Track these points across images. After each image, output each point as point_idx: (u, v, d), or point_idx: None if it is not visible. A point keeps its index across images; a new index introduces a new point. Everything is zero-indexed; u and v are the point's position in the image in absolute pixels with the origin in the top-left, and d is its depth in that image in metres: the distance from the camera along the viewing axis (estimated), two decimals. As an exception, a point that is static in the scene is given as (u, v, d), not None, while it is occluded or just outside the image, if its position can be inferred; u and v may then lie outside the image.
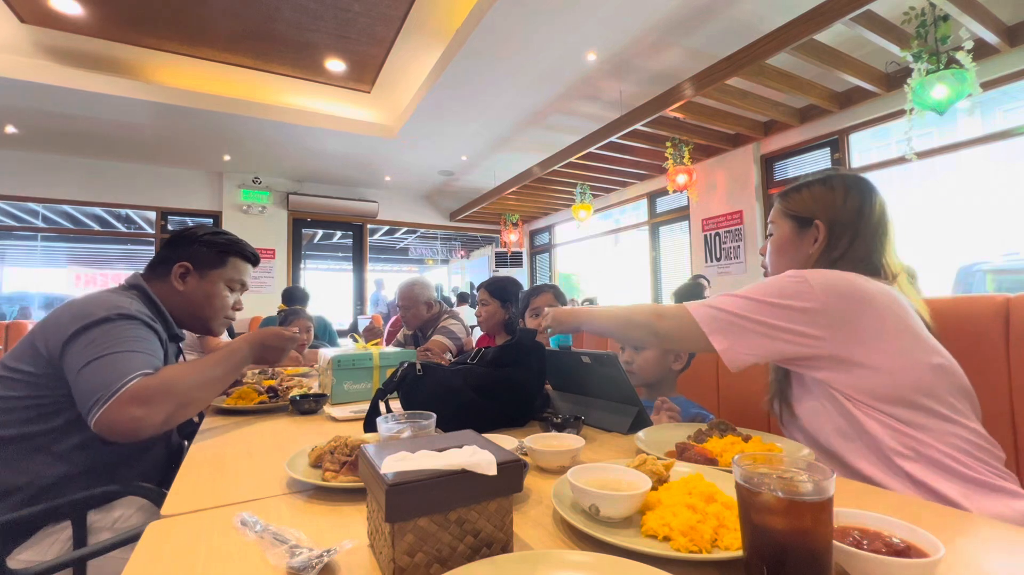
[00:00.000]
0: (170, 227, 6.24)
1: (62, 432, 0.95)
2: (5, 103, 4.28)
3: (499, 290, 2.21)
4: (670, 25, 3.20)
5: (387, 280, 8.03)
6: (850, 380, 0.81)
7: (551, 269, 7.97)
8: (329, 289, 7.64)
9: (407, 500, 0.44)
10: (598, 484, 0.58)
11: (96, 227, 6.45)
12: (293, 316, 2.83)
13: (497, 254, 8.01)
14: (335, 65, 4.29)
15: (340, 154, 5.70)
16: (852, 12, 2.54)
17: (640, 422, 1.01)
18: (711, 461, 0.75)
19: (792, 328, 0.82)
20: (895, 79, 3.41)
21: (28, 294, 6.41)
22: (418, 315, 2.44)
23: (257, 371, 1.93)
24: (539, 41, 3.37)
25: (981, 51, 2.87)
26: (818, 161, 4.29)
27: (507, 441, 0.84)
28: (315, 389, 1.50)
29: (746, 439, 0.83)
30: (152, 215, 6.16)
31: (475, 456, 0.48)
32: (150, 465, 1.10)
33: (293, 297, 3.81)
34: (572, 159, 4.79)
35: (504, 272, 7.45)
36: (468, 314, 5.19)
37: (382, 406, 0.94)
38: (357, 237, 7.31)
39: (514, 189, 5.95)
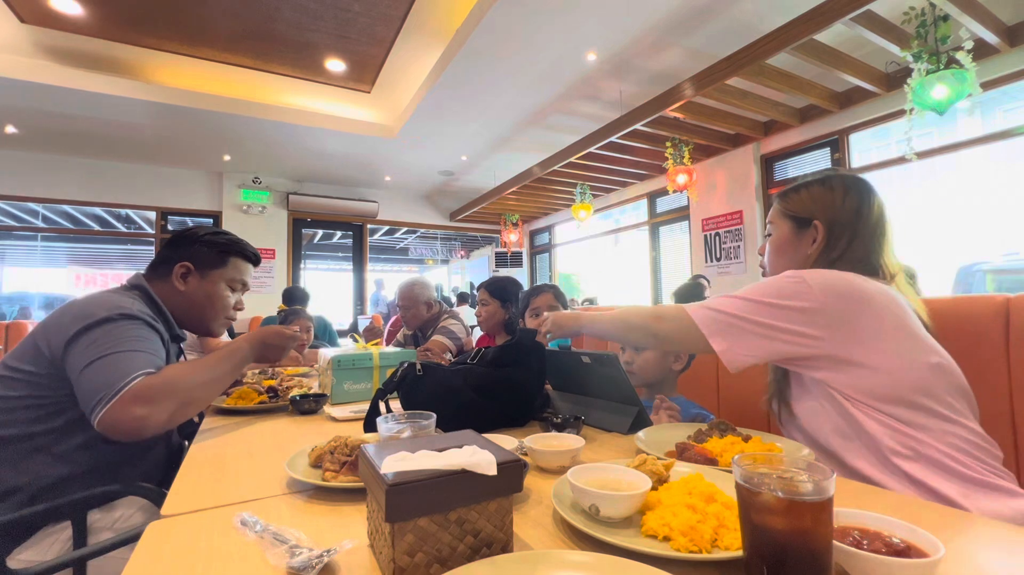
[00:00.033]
0: (170, 227, 6.24)
1: (63, 432, 0.96)
2: (5, 103, 4.28)
3: (499, 290, 2.21)
4: (670, 25, 3.20)
5: (387, 280, 8.03)
6: (849, 380, 0.81)
7: (551, 269, 7.97)
8: (329, 289, 7.65)
9: (407, 500, 0.44)
10: (598, 484, 0.58)
11: (96, 227, 6.45)
12: (293, 316, 2.83)
13: (497, 254, 8.01)
14: (335, 65, 4.29)
15: (340, 154, 5.70)
16: (852, 12, 2.54)
17: (640, 422, 1.01)
18: (711, 461, 0.75)
19: (791, 328, 0.82)
20: (895, 79, 3.41)
21: (28, 294, 6.41)
22: (418, 315, 2.44)
23: (257, 371, 1.93)
24: (539, 41, 3.38)
25: (981, 51, 2.87)
26: (818, 161, 4.29)
27: (507, 441, 0.84)
28: (315, 389, 1.50)
29: (746, 439, 0.83)
30: (152, 215, 6.16)
31: (475, 456, 0.48)
32: (151, 465, 1.10)
33: (293, 297, 3.81)
34: (572, 159, 4.79)
35: (504, 272, 7.45)
36: (468, 314, 5.19)
37: (382, 406, 0.94)
38: (357, 237, 7.31)
39: (514, 189, 5.95)
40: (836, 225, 0.92)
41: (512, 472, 0.49)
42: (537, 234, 8.29)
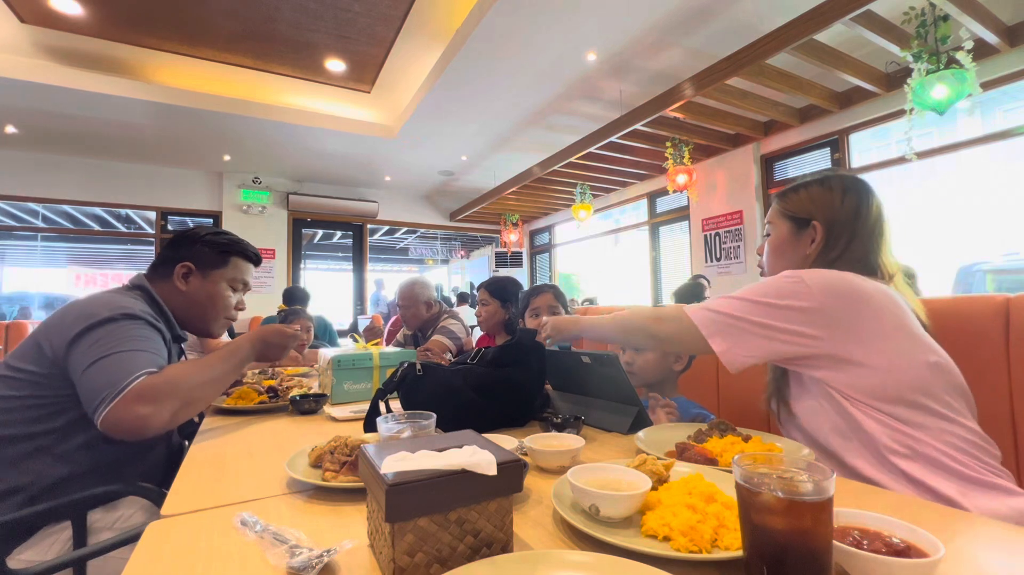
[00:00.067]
0: (170, 227, 6.24)
1: (65, 432, 0.96)
2: (5, 103, 4.28)
3: (499, 290, 2.21)
4: (670, 25, 3.20)
5: (387, 280, 8.03)
6: (847, 379, 0.81)
7: (551, 269, 7.97)
8: (329, 289, 7.64)
9: (407, 500, 0.44)
10: (598, 484, 0.58)
11: (96, 227, 6.45)
12: (293, 316, 2.83)
13: (497, 254, 8.01)
14: (335, 65, 4.29)
15: (340, 154, 5.70)
16: (852, 12, 2.54)
17: (640, 422, 1.01)
18: (711, 461, 0.75)
19: (790, 328, 0.83)
20: (895, 79, 3.41)
21: (28, 294, 6.41)
22: (418, 315, 2.44)
23: (257, 371, 1.93)
24: (539, 41, 3.38)
25: (981, 51, 2.87)
26: (818, 161, 4.29)
27: (507, 441, 0.84)
28: (315, 389, 1.50)
29: (746, 439, 0.83)
30: (152, 215, 6.16)
31: (475, 456, 0.48)
32: (151, 465, 1.11)
33: (294, 297, 3.81)
34: (572, 159, 4.79)
35: (504, 272, 7.45)
36: (468, 314, 5.19)
37: (382, 406, 0.94)
38: (357, 237, 7.31)
39: (514, 189, 5.95)
40: (835, 225, 0.93)
41: (512, 472, 0.49)
42: (537, 234, 8.29)
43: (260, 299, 6.04)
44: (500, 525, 0.49)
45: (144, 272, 1.21)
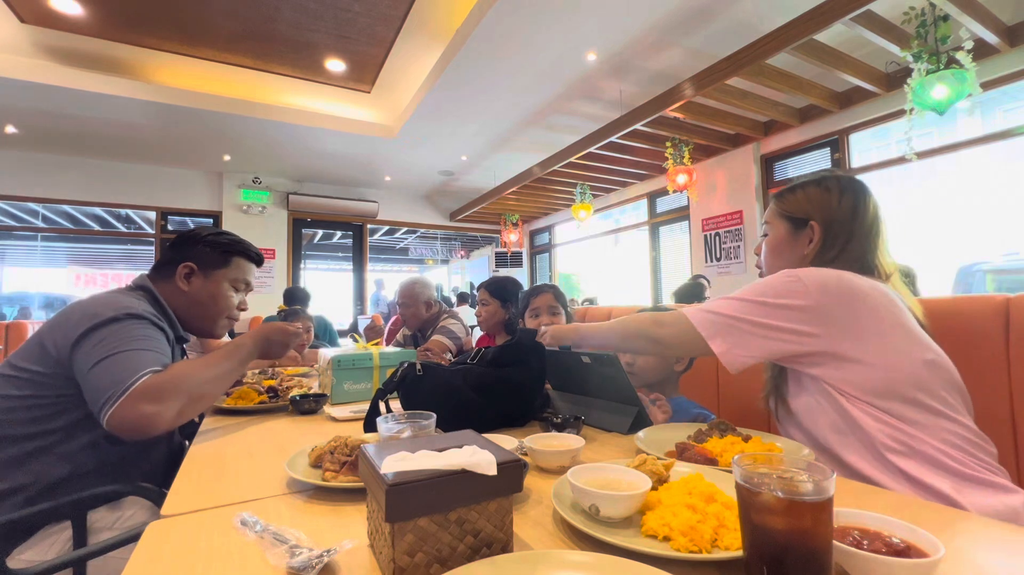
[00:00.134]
0: (170, 227, 6.24)
1: (68, 432, 0.96)
2: (5, 103, 4.28)
3: (499, 290, 2.21)
4: (670, 25, 3.20)
5: (387, 280, 8.03)
6: (844, 376, 0.82)
7: (551, 269, 7.97)
8: (329, 289, 7.65)
9: (407, 500, 0.44)
10: (598, 484, 0.58)
11: (96, 227, 6.45)
12: (293, 316, 2.83)
13: (497, 254, 8.01)
14: (335, 65, 4.29)
15: (340, 154, 5.70)
16: (852, 12, 2.54)
17: (640, 422, 1.01)
18: (711, 461, 0.75)
19: (788, 327, 0.83)
20: (895, 79, 3.41)
21: (28, 294, 6.41)
22: (418, 314, 2.44)
23: (257, 371, 1.93)
24: (539, 41, 3.38)
25: (981, 51, 2.87)
26: (818, 161, 4.29)
27: (507, 441, 0.84)
28: (315, 389, 1.50)
29: (746, 439, 0.83)
30: (152, 215, 6.16)
31: (475, 456, 0.48)
32: (153, 465, 1.11)
33: (295, 297, 3.82)
34: (572, 159, 4.79)
35: (504, 272, 7.45)
36: (468, 314, 5.19)
37: (382, 406, 0.94)
38: (357, 237, 7.31)
39: (514, 189, 5.95)
40: (832, 225, 0.93)
41: (512, 472, 0.49)
42: (537, 234, 8.29)
43: (260, 299, 6.04)
44: (500, 525, 0.49)
45: (147, 273, 1.22)
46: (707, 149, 4.85)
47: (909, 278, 0.95)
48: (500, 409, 1.05)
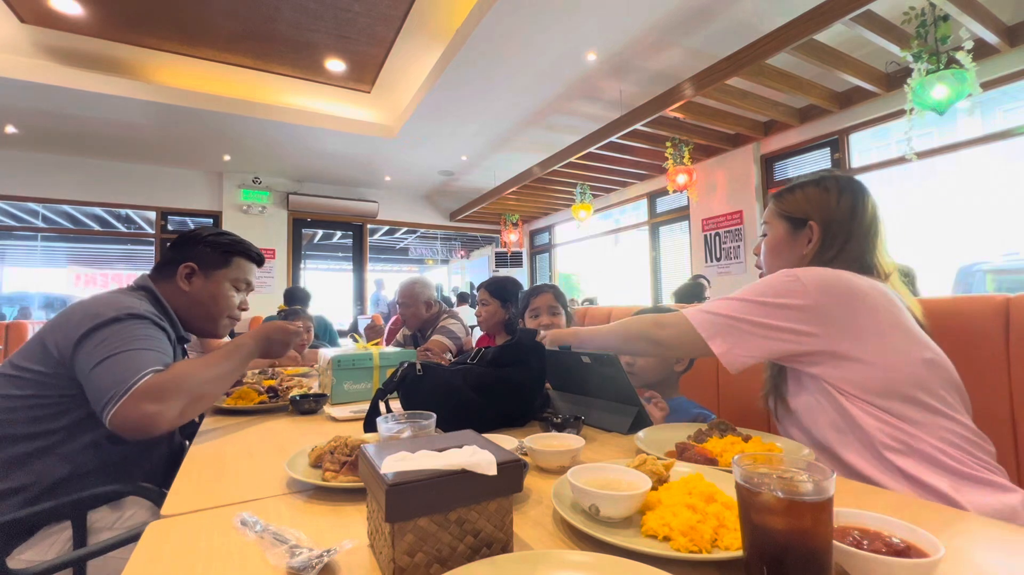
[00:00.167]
0: (170, 227, 6.24)
1: (68, 432, 0.96)
2: (5, 103, 4.28)
3: (499, 290, 2.21)
4: (670, 25, 3.20)
5: (387, 280, 8.03)
6: (843, 374, 0.82)
7: (551, 269, 7.97)
8: (329, 289, 7.65)
9: (407, 500, 0.44)
10: (598, 484, 0.58)
11: (96, 227, 6.45)
12: (293, 316, 2.84)
13: (497, 254, 8.01)
14: (335, 65, 4.29)
15: (340, 154, 5.70)
16: (852, 12, 2.54)
17: (640, 422, 1.01)
18: (711, 461, 0.75)
19: (787, 326, 0.83)
20: (895, 79, 3.41)
21: (28, 294, 6.41)
22: (418, 314, 2.44)
23: (257, 371, 1.93)
24: (539, 41, 3.38)
25: (981, 51, 2.87)
26: (818, 161, 4.29)
27: (507, 441, 0.84)
28: (315, 389, 1.50)
29: (746, 439, 0.83)
30: (152, 215, 6.16)
31: (475, 456, 0.48)
32: (154, 465, 1.11)
33: (295, 297, 3.82)
34: (572, 159, 4.80)
35: (504, 272, 7.45)
36: (468, 314, 5.19)
37: (382, 406, 0.94)
38: (357, 237, 7.32)
39: (514, 189, 5.95)
40: (831, 225, 0.93)
41: (512, 472, 0.49)
42: (537, 234, 8.29)
43: (261, 299, 6.04)
44: (500, 525, 0.49)
45: (148, 273, 1.22)
46: (707, 149, 4.85)
47: (909, 278, 0.95)
48: (500, 409, 1.05)
